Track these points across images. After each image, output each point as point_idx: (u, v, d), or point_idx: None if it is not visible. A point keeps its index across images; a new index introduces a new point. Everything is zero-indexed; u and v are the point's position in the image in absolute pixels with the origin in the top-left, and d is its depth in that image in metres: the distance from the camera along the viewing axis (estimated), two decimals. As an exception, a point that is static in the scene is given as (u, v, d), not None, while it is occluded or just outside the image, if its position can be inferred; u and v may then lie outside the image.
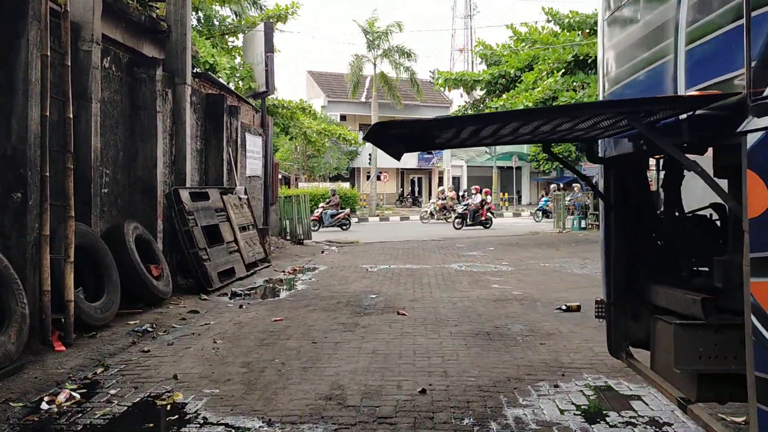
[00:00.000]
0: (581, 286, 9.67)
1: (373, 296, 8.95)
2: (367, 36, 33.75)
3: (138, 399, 4.70)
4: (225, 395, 4.73)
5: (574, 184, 48.78)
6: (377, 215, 33.64)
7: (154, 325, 7.12)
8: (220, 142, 12.20)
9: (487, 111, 19.51)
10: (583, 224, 21.43)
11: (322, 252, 15.71)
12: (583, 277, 10.77)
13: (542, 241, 17.88)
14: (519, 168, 51.59)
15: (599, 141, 3.79)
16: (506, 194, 41.99)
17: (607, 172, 3.75)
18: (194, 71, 12.62)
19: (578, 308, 7.71)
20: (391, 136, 2.45)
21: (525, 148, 52.01)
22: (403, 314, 7.60)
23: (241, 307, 8.33)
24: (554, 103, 16.72)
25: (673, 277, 3.43)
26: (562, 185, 53.35)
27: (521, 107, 16.46)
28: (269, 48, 16.22)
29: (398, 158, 2.91)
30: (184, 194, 9.76)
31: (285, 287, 10.31)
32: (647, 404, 4.48)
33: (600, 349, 5.88)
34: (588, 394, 4.70)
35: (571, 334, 6.49)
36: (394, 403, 4.52)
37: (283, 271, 11.84)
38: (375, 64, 34.89)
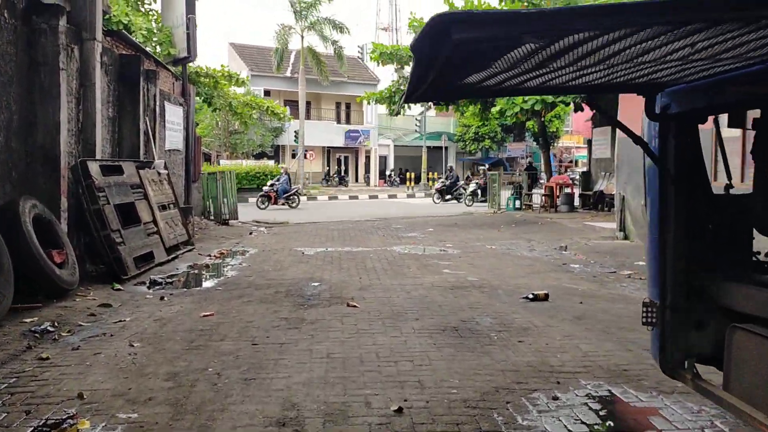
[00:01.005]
0: (538, 271, 9.00)
1: (316, 284, 7.96)
2: (294, 6, 32.20)
3: (30, 430, 3.58)
4: (146, 422, 3.67)
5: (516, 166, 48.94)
6: (304, 194, 32.40)
7: (56, 323, 5.90)
8: (136, 109, 10.81)
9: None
10: (517, 204, 21.02)
11: (251, 233, 14.51)
12: (535, 260, 10.12)
13: (481, 221, 17.28)
14: (446, 148, 51.38)
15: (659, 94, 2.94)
16: (435, 174, 41.52)
17: (665, 133, 2.91)
18: (106, 29, 11.14)
19: (546, 297, 6.98)
20: (454, 44, 1.52)
21: (452, 128, 51.91)
22: (354, 306, 6.66)
23: (162, 299, 7.17)
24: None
25: (750, 271, 2.64)
26: (488, 165, 53.63)
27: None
28: (191, 9, 14.77)
29: (415, 101, 1.98)
30: (94, 167, 8.43)
31: (212, 274, 9.16)
32: (669, 421, 3.72)
33: (588, 347, 5.16)
34: (596, 409, 3.91)
35: (549, 329, 5.73)
36: (365, 428, 3.59)
37: (209, 255, 10.64)
38: (302, 36, 33.40)
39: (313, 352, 5.02)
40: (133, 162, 10.01)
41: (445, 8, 21.49)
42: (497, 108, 15.59)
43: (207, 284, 8.32)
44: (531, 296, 6.97)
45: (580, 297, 7.17)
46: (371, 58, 21.57)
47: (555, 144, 48.26)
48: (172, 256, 10.07)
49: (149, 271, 8.92)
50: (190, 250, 10.95)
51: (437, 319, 6.09)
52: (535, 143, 52.86)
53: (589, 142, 22.07)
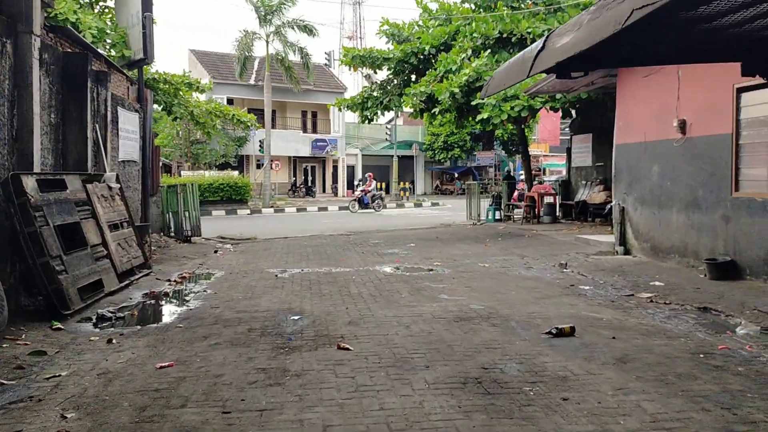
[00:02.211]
0: (547, 295, 7.95)
1: (296, 317, 6.76)
2: (259, 11, 30.88)
3: None
4: None
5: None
6: (271, 206, 31.06)
7: (-32, 383, 4.61)
8: (84, 115, 9.50)
9: (405, 94, 17.56)
10: (498, 215, 20.05)
11: (216, 252, 13.22)
12: (537, 281, 9.08)
13: (463, 235, 16.23)
14: (412, 157, 50.52)
15: None
16: (406, 183, 40.52)
17: None
18: (49, 25, 9.84)
19: (572, 331, 5.91)
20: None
21: (420, 137, 51.10)
22: (346, 348, 5.49)
23: (110, 341, 5.89)
24: (478, 84, 15.07)
25: None
26: (456, 175, 52.90)
27: (448, 93, 14.71)
28: (147, 6, 13.43)
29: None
30: (29, 182, 7.12)
31: (172, 304, 7.90)
32: None
33: (652, 406, 4.07)
34: None
35: (592, 379, 4.64)
36: None
37: (169, 281, 9.35)
38: (268, 42, 32.09)
39: (305, 424, 3.83)
40: (78, 175, 8.69)
41: (417, 12, 20.53)
42: (484, 115, 14.62)
43: (165, 319, 7.06)
44: (554, 331, 5.89)
45: (609, 330, 6.12)
46: (342, 62, 20.49)
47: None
48: (126, 282, 8.77)
49: (97, 302, 7.63)
50: (146, 275, 9.64)
51: (452, 366, 4.95)
52: (504, 152, 52.49)
53: (568, 150, 21.26)
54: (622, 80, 11.47)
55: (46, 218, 7.17)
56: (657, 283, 8.56)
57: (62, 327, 6.47)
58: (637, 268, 9.70)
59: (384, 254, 12.37)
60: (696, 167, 9.34)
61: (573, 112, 18.06)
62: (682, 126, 9.54)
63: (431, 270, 10.25)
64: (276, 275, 9.80)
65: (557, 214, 19.25)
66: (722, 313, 6.85)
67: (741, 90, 8.45)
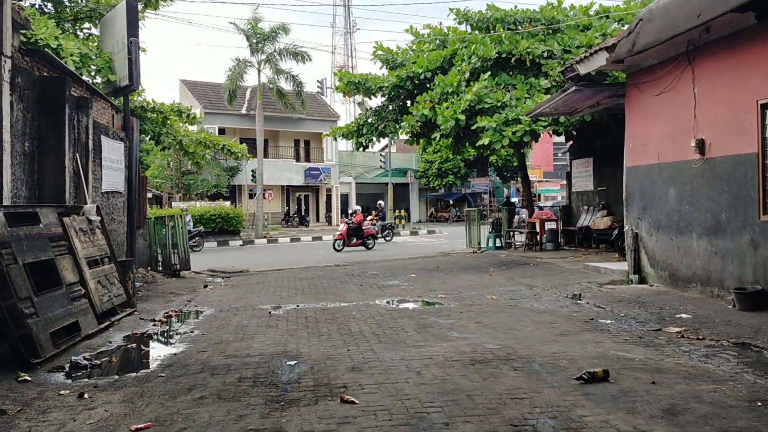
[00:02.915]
0: (567, 331, 7.26)
1: (292, 363, 6.06)
2: (251, 39, 30.51)
3: None
4: None
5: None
6: (264, 237, 30.36)
7: None
8: (62, 143, 8.89)
9: (409, 113, 16.96)
10: (498, 242, 19.42)
11: (205, 287, 12.51)
12: (553, 314, 8.40)
13: (465, 264, 15.56)
14: (406, 185, 50.10)
15: None
16: (402, 211, 39.93)
17: None
18: (25, 48, 9.26)
19: (606, 375, 5.23)
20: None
21: (414, 164, 50.69)
22: (351, 401, 4.79)
23: (81, 396, 5.17)
24: (478, 108, 14.53)
25: None
26: (451, 201, 52.39)
27: (452, 122, 14.26)
28: (133, 32, 12.86)
29: None
30: (-4, 216, 6.45)
31: (155, 348, 7.18)
32: None
33: (724, 474, 3.37)
34: None
35: (642, 436, 3.96)
36: None
37: (153, 320, 8.64)
38: (259, 70, 31.67)
39: (307, 507, 3.14)
40: (54, 208, 8.01)
41: (409, 37, 20.12)
42: (484, 141, 14.06)
43: (146, 366, 6.33)
44: (586, 376, 5.20)
45: (646, 372, 5.44)
46: (336, 88, 19.99)
47: (517, 178, 47.28)
48: (106, 323, 8.05)
49: (73, 347, 6.92)
50: (130, 314, 8.93)
51: (475, 423, 4.25)
52: (498, 178, 52.07)
53: (568, 174, 20.72)
54: (631, 99, 10.94)
55: (14, 256, 6.48)
56: (683, 315, 7.91)
57: (29, 378, 5.75)
58: (658, 299, 9.05)
59: (384, 286, 11.68)
60: (718, 189, 8.75)
61: (574, 133, 17.58)
62: (701, 146, 8.98)
63: (435, 303, 9.58)
64: (269, 312, 9.10)
65: (559, 240, 18.64)
66: (764, 350, 6.19)
67: (766, 106, 7.90)
